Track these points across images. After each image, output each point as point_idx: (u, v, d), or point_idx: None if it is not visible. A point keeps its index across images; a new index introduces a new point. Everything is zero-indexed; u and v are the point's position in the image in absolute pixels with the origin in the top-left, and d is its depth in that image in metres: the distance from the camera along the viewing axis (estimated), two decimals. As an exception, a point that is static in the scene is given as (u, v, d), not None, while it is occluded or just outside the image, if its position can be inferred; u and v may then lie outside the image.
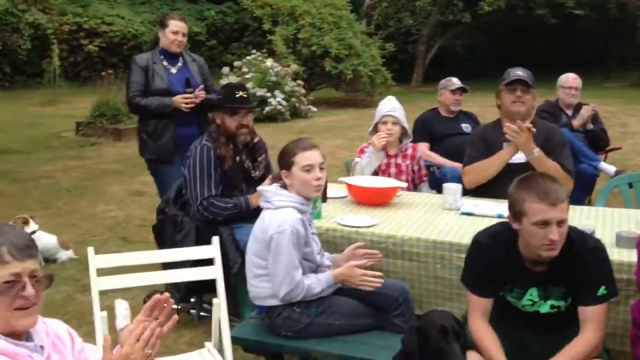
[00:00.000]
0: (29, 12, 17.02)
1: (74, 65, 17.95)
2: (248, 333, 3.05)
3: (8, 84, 16.59)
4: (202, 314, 4.04)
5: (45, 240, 5.04)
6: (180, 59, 4.80)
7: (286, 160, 3.00)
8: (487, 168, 3.90)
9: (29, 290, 1.71)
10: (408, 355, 2.44)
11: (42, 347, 1.77)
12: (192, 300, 4.07)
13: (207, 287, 3.44)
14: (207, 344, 3.05)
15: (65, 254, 5.20)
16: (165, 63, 4.73)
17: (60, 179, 7.96)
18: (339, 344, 2.89)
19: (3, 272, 1.69)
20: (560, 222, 2.40)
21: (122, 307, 2.43)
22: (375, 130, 4.37)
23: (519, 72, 3.91)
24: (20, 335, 1.73)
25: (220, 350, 2.99)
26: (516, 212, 2.47)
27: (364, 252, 3.10)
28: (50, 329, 1.85)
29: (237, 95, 3.85)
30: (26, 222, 5.06)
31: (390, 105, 4.38)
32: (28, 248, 1.75)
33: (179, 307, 4.03)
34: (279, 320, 2.95)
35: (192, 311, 4.08)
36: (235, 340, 3.02)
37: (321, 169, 3.00)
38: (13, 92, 15.99)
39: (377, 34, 18.46)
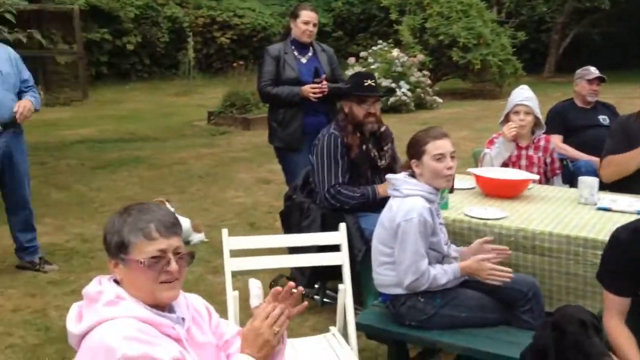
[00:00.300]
0: (167, 6, 17.95)
1: (207, 57, 18.66)
2: (372, 320, 3.07)
3: (147, 75, 17.55)
4: (325, 300, 4.12)
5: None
6: (311, 49, 4.89)
7: (417, 149, 2.97)
8: (627, 161, 3.69)
9: (173, 265, 1.81)
10: (541, 352, 2.34)
11: (183, 319, 1.88)
12: (316, 286, 4.15)
13: (330, 274, 3.50)
14: (332, 328, 3.11)
15: (197, 237, 5.43)
16: (296, 53, 4.83)
17: (192, 166, 8.35)
18: (464, 337, 2.85)
19: (150, 247, 1.80)
20: None
21: (255, 286, 2.51)
22: (507, 120, 4.24)
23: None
24: (163, 308, 1.84)
25: (345, 335, 3.03)
26: (661, 208, 2.33)
27: (493, 248, 3.02)
28: (190, 303, 1.95)
29: (366, 84, 3.86)
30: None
31: (523, 95, 4.23)
32: (174, 226, 1.86)
33: (304, 292, 4.12)
34: (403, 309, 2.94)
35: (316, 297, 4.16)
36: (359, 327, 3.04)
37: (452, 157, 2.95)
38: (151, 83, 16.90)
39: (508, 23, 17.85)
